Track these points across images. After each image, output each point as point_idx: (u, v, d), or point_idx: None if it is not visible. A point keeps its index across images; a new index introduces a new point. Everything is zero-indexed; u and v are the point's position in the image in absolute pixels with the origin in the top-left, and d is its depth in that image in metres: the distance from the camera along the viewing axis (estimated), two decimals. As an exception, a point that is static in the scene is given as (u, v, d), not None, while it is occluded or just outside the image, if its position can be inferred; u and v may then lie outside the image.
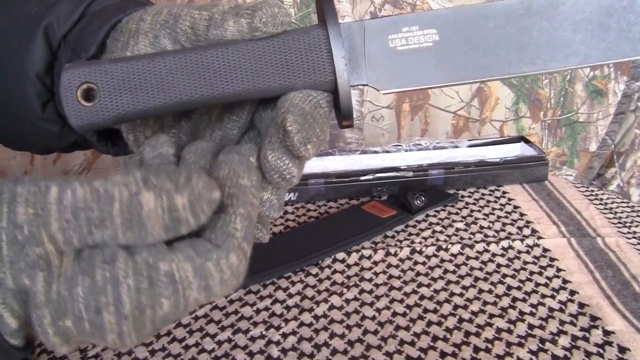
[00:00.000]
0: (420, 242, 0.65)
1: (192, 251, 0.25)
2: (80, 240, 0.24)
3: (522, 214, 0.70)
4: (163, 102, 0.30)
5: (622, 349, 0.48)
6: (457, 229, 0.67)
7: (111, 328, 0.24)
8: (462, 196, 0.75)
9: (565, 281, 0.57)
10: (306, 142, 0.28)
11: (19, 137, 0.39)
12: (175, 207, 0.24)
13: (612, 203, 0.73)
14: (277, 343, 0.50)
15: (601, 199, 0.74)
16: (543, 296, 0.55)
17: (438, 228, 0.68)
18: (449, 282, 0.58)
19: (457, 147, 0.84)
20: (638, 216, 0.70)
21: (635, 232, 0.66)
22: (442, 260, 0.61)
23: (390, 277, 0.59)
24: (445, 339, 0.50)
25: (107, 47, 0.34)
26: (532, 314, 0.53)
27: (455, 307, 0.54)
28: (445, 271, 0.59)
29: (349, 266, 0.61)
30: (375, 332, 0.51)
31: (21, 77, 0.35)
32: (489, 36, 0.31)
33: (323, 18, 0.31)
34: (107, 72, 0.29)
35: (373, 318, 0.53)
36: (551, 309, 0.53)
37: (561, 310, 0.53)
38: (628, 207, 0.72)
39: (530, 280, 0.57)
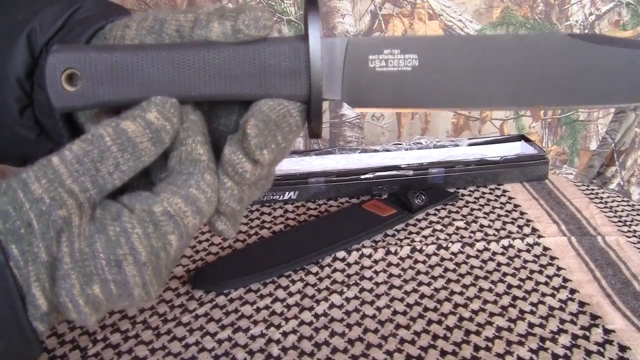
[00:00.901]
0: (421, 241, 0.65)
1: (173, 186, 0.29)
2: (93, 182, 0.28)
3: (522, 213, 0.70)
4: (142, 95, 0.30)
5: (623, 348, 0.48)
6: (458, 228, 0.67)
7: (135, 281, 0.28)
8: (463, 195, 0.75)
9: (565, 280, 0.57)
10: (262, 147, 0.29)
11: None
12: (151, 121, 0.29)
13: (612, 202, 0.73)
14: (278, 342, 0.50)
15: (601, 198, 0.74)
16: (543, 295, 0.55)
17: (438, 227, 0.68)
18: (449, 280, 0.58)
19: (457, 145, 0.84)
20: (638, 215, 0.70)
21: (635, 231, 0.66)
22: (443, 259, 0.61)
23: (391, 275, 0.59)
24: (445, 338, 0.50)
25: None
26: (532, 312, 0.53)
27: (456, 305, 0.54)
28: (446, 270, 0.59)
29: (349, 265, 0.61)
30: (376, 331, 0.51)
31: (2, 80, 0.36)
32: (469, 67, 0.32)
33: (307, 29, 0.31)
34: (91, 60, 0.29)
35: (373, 317, 0.53)
36: (551, 308, 0.53)
37: (561, 309, 0.53)
38: (628, 205, 0.72)
39: (530, 278, 0.57)
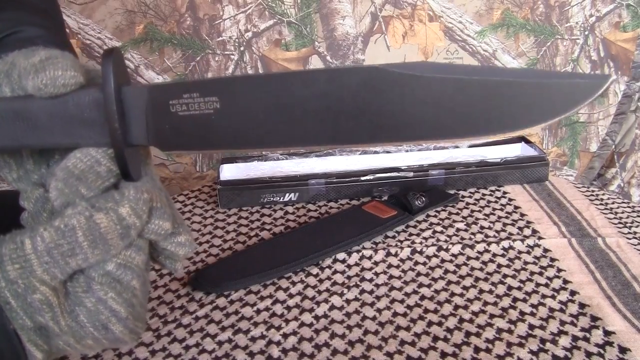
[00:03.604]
0: (421, 243, 0.65)
1: None
2: (62, 272, 0.29)
3: (522, 214, 0.70)
4: None
5: (623, 349, 0.48)
6: (458, 229, 0.67)
7: (123, 333, 0.31)
8: (463, 196, 0.75)
9: (565, 281, 0.57)
10: (66, 205, 0.31)
11: None
12: (122, 217, 0.30)
13: (612, 203, 0.73)
14: (278, 343, 0.50)
15: (602, 199, 0.74)
16: (543, 296, 0.55)
17: (439, 228, 0.68)
18: (449, 282, 0.58)
19: (457, 147, 0.84)
20: (638, 216, 0.70)
21: (635, 233, 0.66)
22: (443, 261, 0.61)
23: (391, 277, 0.59)
24: (445, 339, 0.50)
25: None
26: (532, 314, 0.53)
27: (456, 307, 0.54)
28: (446, 271, 0.59)
29: (349, 266, 0.61)
30: (376, 333, 0.51)
31: None
32: (271, 107, 0.31)
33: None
34: None
35: (374, 318, 0.53)
36: (552, 309, 0.53)
37: (562, 311, 0.53)
38: (628, 207, 0.72)
39: (530, 280, 0.57)
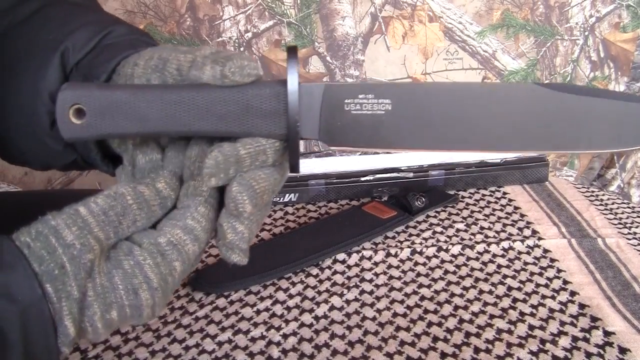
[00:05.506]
0: (421, 243, 0.65)
1: (173, 220, 0.34)
2: (115, 232, 0.32)
3: (522, 215, 0.70)
4: (139, 130, 0.33)
5: (623, 350, 0.48)
6: (458, 230, 0.67)
7: (147, 303, 0.32)
8: (463, 197, 0.75)
9: (565, 282, 0.57)
10: (211, 175, 0.33)
11: (20, 151, 0.42)
12: (159, 190, 0.34)
13: (612, 204, 0.73)
14: (278, 344, 0.50)
15: (602, 200, 0.74)
16: (543, 297, 0.55)
17: (438, 229, 0.68)
18: (449, 282, 0.58)
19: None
20: (638, 217, 0.70)
21: (635, 233, 0.66)
22: (443, 261, 0.61)
23: (391, 278, 0.59)
24: (445, 340, 0.50)
25: (112, 81, 0.37)
26: (532, 314, 0.53)
27: (456, 307, 0.54)
28: (446, 272, 0.59)
29: (349, 267, 0.61)
30: (376, 333, 0.51)
31: (35, 94, 0.38)
32: (440, 113, 0.34)
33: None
34: (94, 97, 0.33)
35: (373, 319, 0.53)
36: (552, 310, 0.53)
37: (561, 311, 0.53)
38: (628, 208, 0.72)
39: (530, 281, 0.57)
